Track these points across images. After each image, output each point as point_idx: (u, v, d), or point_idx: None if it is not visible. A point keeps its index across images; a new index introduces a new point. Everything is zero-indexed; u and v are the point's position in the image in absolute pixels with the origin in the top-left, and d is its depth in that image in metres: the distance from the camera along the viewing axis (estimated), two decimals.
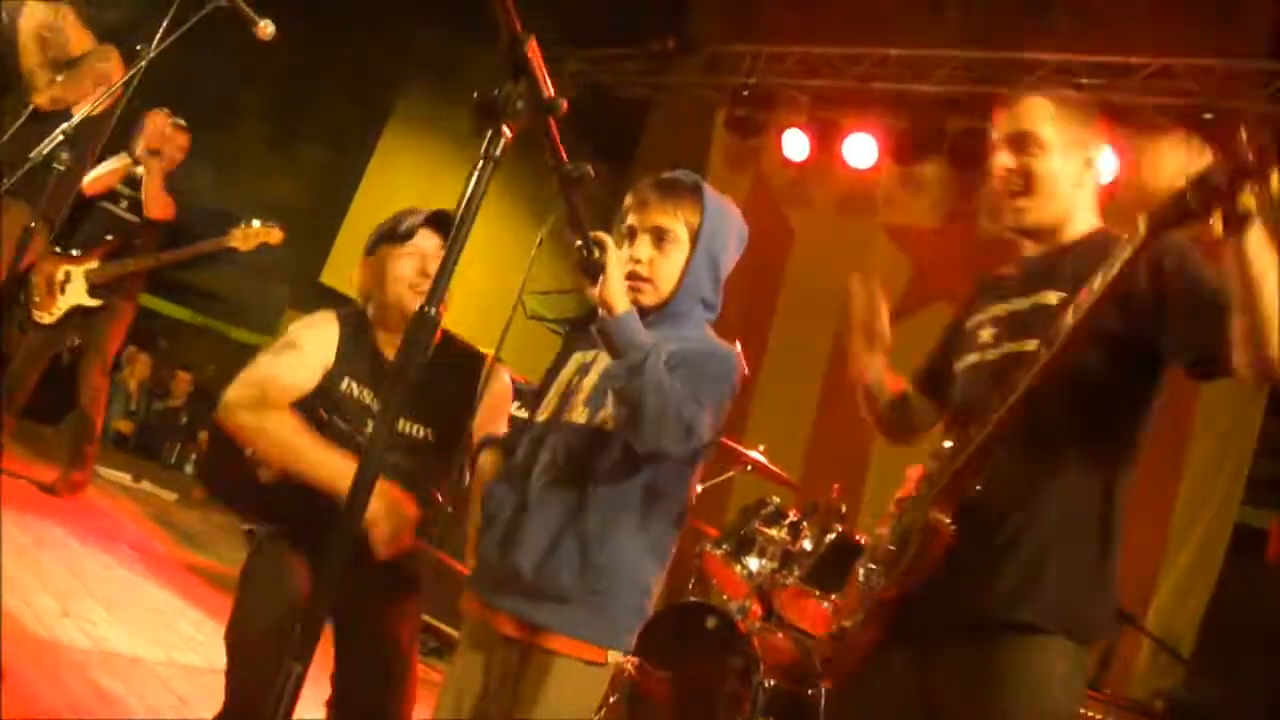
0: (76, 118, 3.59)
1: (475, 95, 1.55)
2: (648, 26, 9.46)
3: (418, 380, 2.41)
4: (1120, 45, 7.38)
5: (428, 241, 3.17)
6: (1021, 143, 2.60)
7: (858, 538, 5.19)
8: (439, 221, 3.18)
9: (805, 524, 5.33)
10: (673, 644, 4.95)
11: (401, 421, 3.15)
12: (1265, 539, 6.31)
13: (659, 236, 2.55)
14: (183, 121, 6.88)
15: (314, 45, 9.80)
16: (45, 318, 6.52)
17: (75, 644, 3.91)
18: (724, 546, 5.37)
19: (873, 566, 2.70)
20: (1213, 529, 6.76)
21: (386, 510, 2.84)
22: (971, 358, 2.67)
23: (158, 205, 6.65)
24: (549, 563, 2.40)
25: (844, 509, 5.44)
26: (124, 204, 6.68)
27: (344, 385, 3.17)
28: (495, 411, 3.23)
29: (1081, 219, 2.63)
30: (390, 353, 3.22)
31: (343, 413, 3.15)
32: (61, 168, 3.57)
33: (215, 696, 3.74)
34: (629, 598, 2.47)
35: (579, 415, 2.53)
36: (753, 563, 5.25)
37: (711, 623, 4.96)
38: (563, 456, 2.49)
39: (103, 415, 6.79)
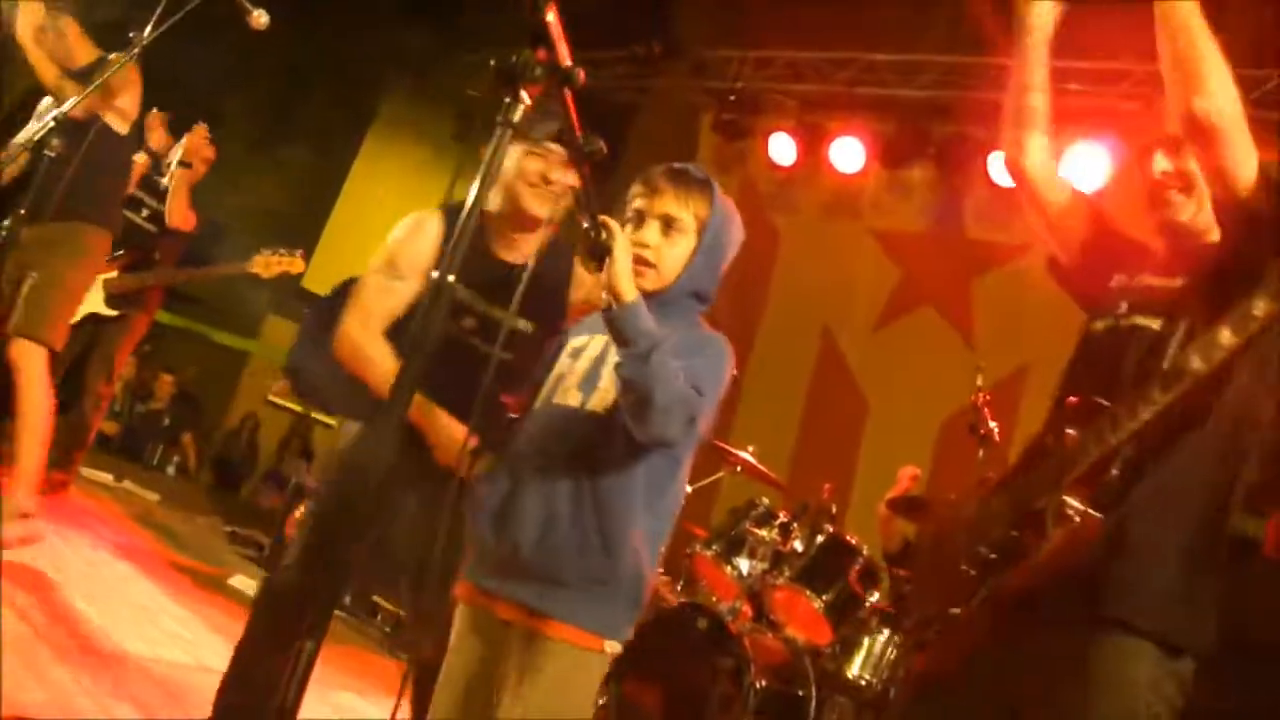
0: (68, 104, 3.55)
1: (493, 62, 1.53)
2: (633, 31, 9.44)
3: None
4: (1109, 51, 7.38)
5: (556, 147, 3.23)
6: (1178, 147, 2.68)
7: (848, 538, 5.18)
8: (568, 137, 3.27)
9: (796, 525, 5.32)
10: (663, 646, 4.92)
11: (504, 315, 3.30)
12: (1257, 546, 6.31)
13: (667, 224, 2.54)
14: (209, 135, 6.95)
15: (297, 47, 9.78)
16: None
17: (61, 640, 3.86)
18: (714, 547, 5.34)
19: (983, 550, 2.63)
20: None
21: (444, 442, 3.08)
22: (1105, 322, 2.71)
23: (181, 217, 6.73)
24: (546, 547, 2.39)
25: (834, 509, 5.44)
26: (145, 213, 6.71)
27: None
28: (590, 298, 3.36)
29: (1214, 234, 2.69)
30: (504, 254, 3.34)
31: None
32: (53, 154, 3.53)
33: (203, 693, 3.70)
34: (629, 589, 2.45)
35: (572, 399, 2.52)
36: (743, 564, 5.22)
37: (702, 624, 4.93)
38: (554, 439, 2.49)
39: (100, 422, 6.79)
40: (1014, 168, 2.89)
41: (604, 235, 2.24)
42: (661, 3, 9.74)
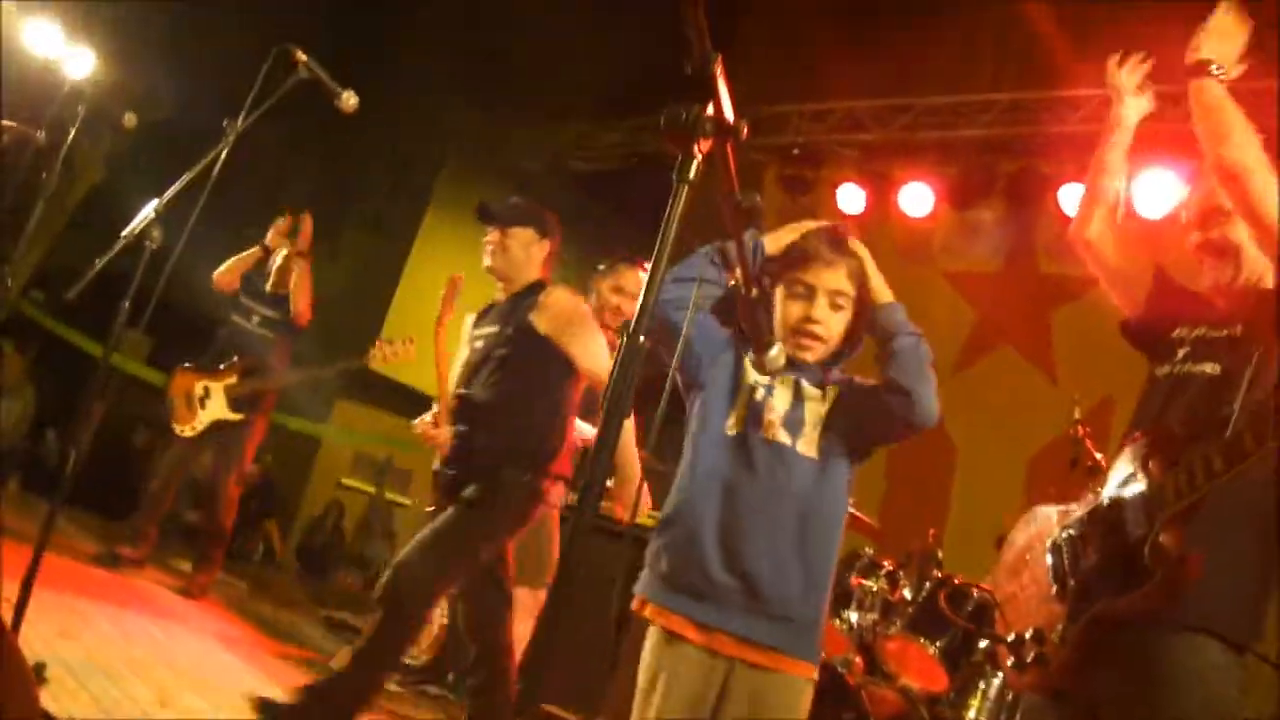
0: (168, 195, 3.56)
1: (663, 117, 1.52)
2: (687, 93, 9.44)
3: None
4: (1165, 75, 7.31)
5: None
6: (1207, 220, 2.93)
7: (957, 581, 5.10)
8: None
9: (902, 573, 5.25)
10: None
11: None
12: None
13: (835, 298, 2.71)
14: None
15: (351, 130, 9.89)
16: (187, 431, 6.73)
17: None
18: None
19: (1077, 576, 2.84)
20: None
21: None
22: (1165, 368, 2.94)
23: (306, 309, 6.90)
24: (778, 584, 2.51)
25: (940, 554, 5.35)
26: (255, 320, 6.83)
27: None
28: (559, 320, 4.13)
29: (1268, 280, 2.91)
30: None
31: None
32: (154, 245, 3.54)
33: None
34: (824, 619, 2.63)
35: (783, 437, 2.63)
36: (852, 615, 5.15)
37: (819, 677, 4.84)
38: (776, 476, 2.59)
39: (231, 523, 6.87)
40: (1078, 238, 3.25)
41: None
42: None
